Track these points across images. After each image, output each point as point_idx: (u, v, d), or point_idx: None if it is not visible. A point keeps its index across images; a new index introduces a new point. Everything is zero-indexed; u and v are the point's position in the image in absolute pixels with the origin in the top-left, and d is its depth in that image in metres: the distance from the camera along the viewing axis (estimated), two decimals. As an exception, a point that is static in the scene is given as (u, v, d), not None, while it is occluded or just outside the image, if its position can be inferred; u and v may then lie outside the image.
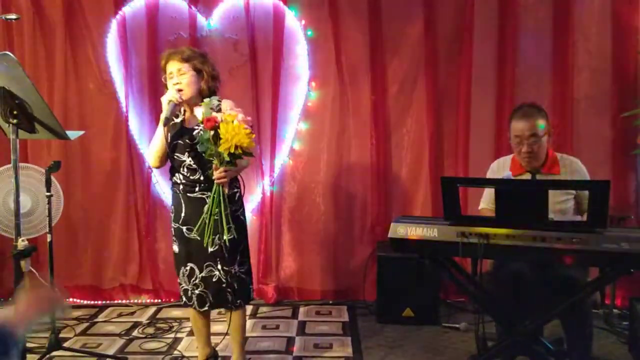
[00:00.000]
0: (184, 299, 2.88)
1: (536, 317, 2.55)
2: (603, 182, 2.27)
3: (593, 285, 2.56)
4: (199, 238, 2.72)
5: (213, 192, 2.60)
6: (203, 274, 2.77)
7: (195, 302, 2.83)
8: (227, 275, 2.75)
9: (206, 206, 2.62)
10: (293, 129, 4.16)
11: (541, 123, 2.79)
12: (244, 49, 4.08)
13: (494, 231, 2.34)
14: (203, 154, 2.60)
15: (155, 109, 4.07)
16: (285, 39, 4.09)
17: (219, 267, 2.74)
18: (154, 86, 4.05)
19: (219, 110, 2.61)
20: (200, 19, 4.11)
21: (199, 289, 2.80)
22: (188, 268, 2.80)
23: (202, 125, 2.58)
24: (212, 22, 4.11)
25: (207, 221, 2.59)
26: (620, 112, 3.87)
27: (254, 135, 2.57)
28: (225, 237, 2.59)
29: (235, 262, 2.78)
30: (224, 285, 2.76)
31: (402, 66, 4.09)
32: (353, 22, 4.07)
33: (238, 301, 2.82)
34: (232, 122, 2.49)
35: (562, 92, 3.97)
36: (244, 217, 2.88)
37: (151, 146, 2.81)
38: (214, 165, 2.60)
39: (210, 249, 2.70)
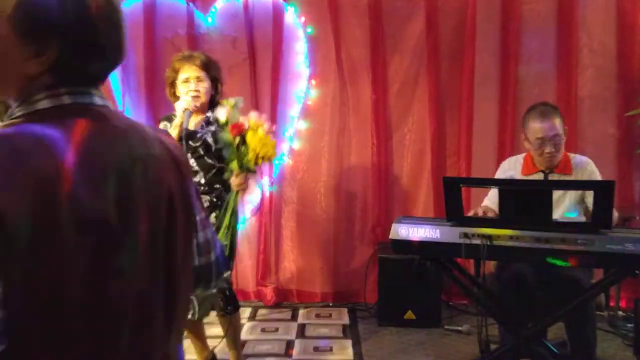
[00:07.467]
0: None
1: (540, 319, 2.53)
2: (607, 182, 2.25)
3: (597, 287, 2.53)
4: None
5: (230, 199, 2.58)
6: None
7: None
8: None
9: (223, 214, 2.58)
10: (293, 128, 4.12)
11: (560, 121, 2.77)
12: (243, 46, 4.02)
13: (497, 232, 2.31)
14: (213, 159, 2.62)
15: (153, 107, 4.03)
16: (285, 36, 4.04)
17: None
18: (151, 84, 4.00)
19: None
20: (198, 16, 4.06)
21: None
22: None
23: (220, 128, 2.57)
24: (210, 19, 4.07)
25: (224, 229, 2.57)
26: (625, 111, 3.83)
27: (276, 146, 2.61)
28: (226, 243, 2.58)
29: (227, 267, 2.74)
30: (214, 291, 2.71)
31: (404, 64, 4.04)
32: (354, 19, 4.02)
33: (229, 307, 2.78)
34: (258, 130, 2.48)
35: (566, 90, 3.92)
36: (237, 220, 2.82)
37: None
38: (234, 172, 2.56)
39: None
